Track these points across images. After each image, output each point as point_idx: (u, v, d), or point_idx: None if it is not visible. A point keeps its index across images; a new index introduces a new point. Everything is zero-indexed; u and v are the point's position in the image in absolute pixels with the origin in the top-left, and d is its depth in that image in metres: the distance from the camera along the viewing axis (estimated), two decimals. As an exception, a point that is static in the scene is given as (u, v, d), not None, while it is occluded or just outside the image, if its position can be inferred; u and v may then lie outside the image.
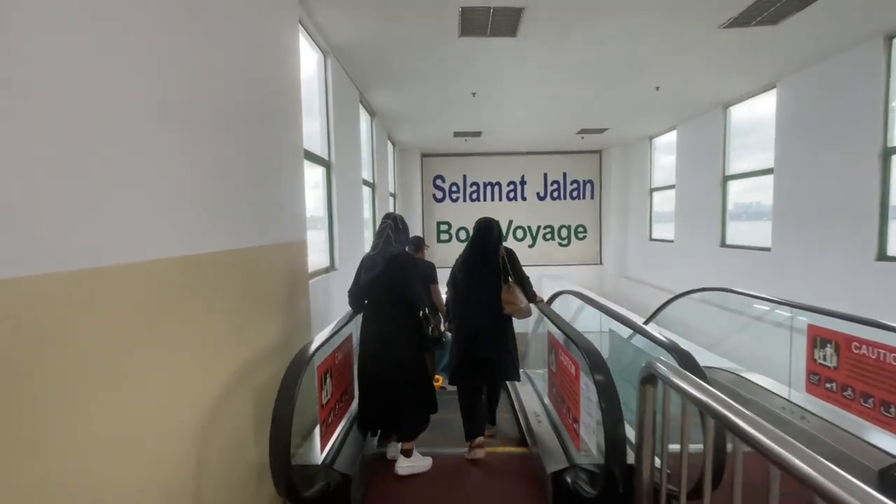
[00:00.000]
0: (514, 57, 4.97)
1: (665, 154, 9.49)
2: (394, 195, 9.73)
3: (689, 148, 7.99)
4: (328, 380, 2.09)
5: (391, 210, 8.95)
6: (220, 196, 2.00)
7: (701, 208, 7.59)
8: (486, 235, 3.20)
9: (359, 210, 5.79)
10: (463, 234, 11.49)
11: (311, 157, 4.00)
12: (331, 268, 4.66)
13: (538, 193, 11.44)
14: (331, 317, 4.05)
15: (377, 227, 2.96)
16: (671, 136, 8.92)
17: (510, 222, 11.50)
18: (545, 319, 3.32)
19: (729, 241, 7.04)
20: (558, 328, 2.56)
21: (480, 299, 3.02)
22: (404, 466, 2.71)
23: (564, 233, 11.55)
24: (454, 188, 11.43)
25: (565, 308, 5.67)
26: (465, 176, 11.41)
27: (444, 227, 11.50)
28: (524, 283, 3.17)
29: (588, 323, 4.55)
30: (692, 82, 5.92)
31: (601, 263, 11.50)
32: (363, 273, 2.82)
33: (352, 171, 5.43)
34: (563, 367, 2.63)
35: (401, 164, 10.59)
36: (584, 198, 11.48)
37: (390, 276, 2.69)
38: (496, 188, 11.42)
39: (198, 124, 1.81)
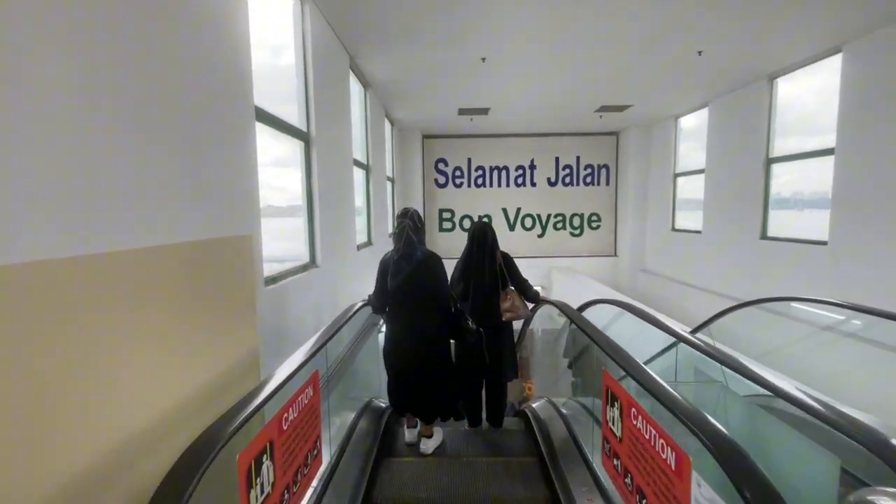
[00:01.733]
0: (533, 14, 4.09)
1: (689, 139, 8.59)
2: (392, 180, 8.87)
3: (725, 127, 7.09)
4: (269, 466, 1.29)
5: (389, 195, 8.09)
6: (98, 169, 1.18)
7: (737, 195, 6.73)
8: (482, 242, 3.20)
9: (348, 194, 4.95)
10: (467, 223, 10.65)
11: (277, 124, 3.16)
12: (311, 264, 3.85)
13: (549, 179, 10.56)
14: (307, 329, 3.25)
15: (394, 225, 2.90)
16: (700, 116, 8.02)
17: (518, 210, 10.65)
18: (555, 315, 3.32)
19: (772, 232, 6.19)
20: (632, 375, 1.67)
21: (479, 308, 3.09)
22: (430, 446, 2.93)
23: (577, 221, 10.70)
24: (458, 173, 10.55)
25: (576, 302, 4.87)
26: (469, 160, 10.52)
27: (446, 216, 10.65)
28: (524, 288, 3.30)
29: (624, 331, 3.74)
30: (740, 44, 5.00)
31: (616, 255, 10.67)
32: (390, 278, 2.76)
33: (339, 148, 4.58)
34: (644, 445, 1.48)
35: (400, 146, 9.70)
36: (598, 184, 10.60)
37: (420, 279, 2.71)
38: (503, 173, 10.54)
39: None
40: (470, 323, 2.90)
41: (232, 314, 2.11)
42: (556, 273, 10.02)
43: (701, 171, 7.77)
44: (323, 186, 3.99)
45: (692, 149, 8.55)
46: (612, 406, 1.74)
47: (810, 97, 5.87)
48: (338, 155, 4.55)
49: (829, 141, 5.08)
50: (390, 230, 8.49)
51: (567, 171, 10.53)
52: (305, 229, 3.91)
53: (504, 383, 3.39)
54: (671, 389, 1.41)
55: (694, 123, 8.37)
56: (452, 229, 10.67)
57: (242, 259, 2.29)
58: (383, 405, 3.46)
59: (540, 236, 10.71)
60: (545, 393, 4.12)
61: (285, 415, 1.48)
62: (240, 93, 2.33)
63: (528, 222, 10.69)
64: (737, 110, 6.75)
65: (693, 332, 3.98)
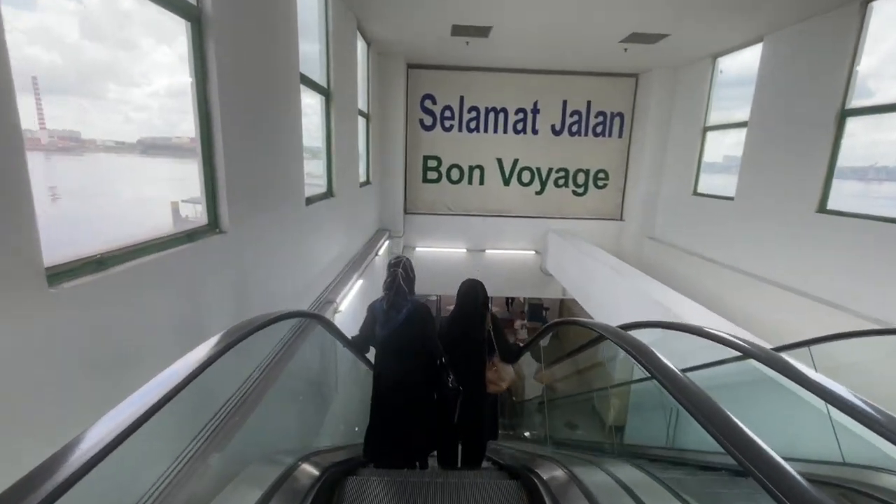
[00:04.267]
0: None
1: (728, 86, 7.11)
2: (367, 115, 7.27)
3: (785, 66, 5.64)
4: None
5: (361, 134, 6.53)
6: None
7: (791, 157, 5.43)
8: (471, 304, 3.08)
9: (291, 126, 3.46)
10: (455, 174, 9.19)
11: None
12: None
13: (553, 126, 9.04)
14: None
15: (387, 271, 2.77)
16: (745, 57, 6.52)
17: (515, 162, 9.19)
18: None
19: (833, 205, 4.97)
20: None
21: (464, 375, 2.91)
22: None
23: (581, 178, 9.33)
24: (447, 113, 8.93)
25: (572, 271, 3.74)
26: (462, 98, 8.87)
27: (431, 164, 9.15)
28: (505, 350, 3.16)
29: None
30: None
31: (622, 219, 9.44)
32: (379, 327, 2.77)
33: (261, 46, 3.04)
34: None
35: (379, 75, 7.99)
36: (609, 135, 9.14)
37: (410, 331, 2.70)
38: (501, 116, 8.96)
39: None
40: (451, 381, 2.84)
41: None
42: (553, 237, 8.78)
43: (742, 125, 6.39)
44: (225, 101, 2.53)
45: (730, 98, 7.11)
46: None
47: (915, 29, 4.45)
48: (258, 54, 3.03)
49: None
50: (362, 176, 7.02)
51: (575, 117, 9.00)
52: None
53: (482, 445, 3.25)
54: None
55: (738, 64, 6.87)
56: (438, 180, 9.20)
57: None
58: (317, 473, 2.22)
59: (538, 193, 9.34)
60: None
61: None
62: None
63: (526, 176, 9.27)
64: (806, 45, 5.29)
65: (780, 349, 2.76)
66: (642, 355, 1.55)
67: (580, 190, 9.36)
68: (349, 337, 3.08)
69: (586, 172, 9.30)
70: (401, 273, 2.71)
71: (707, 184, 7.49)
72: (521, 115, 8.95)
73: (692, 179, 7.65)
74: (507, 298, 17.31)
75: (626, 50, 6.97)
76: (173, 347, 2.02)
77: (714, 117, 7.32)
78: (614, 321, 5.90)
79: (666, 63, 7.86)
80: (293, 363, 2.69)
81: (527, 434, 6.51)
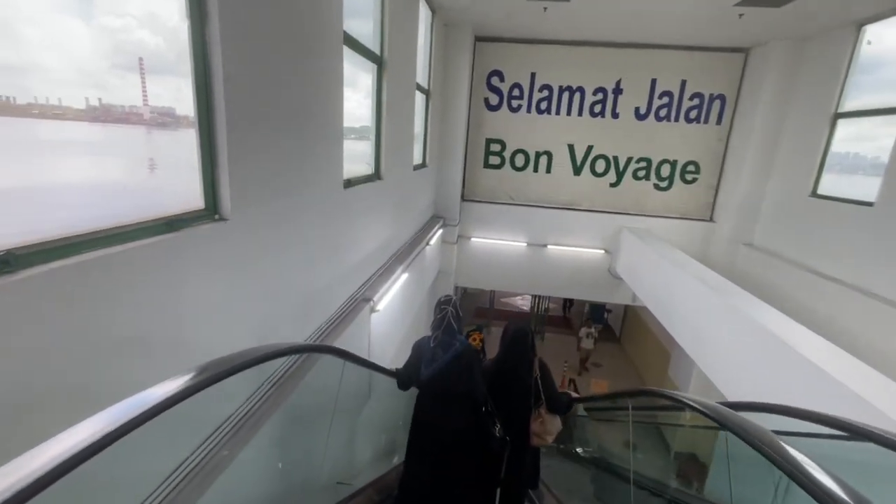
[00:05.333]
0: None
1: (875, 65, 5.64)
2: (426, 92, 6.63)
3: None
4: None
5: (419, 111, 5.91)
6: None
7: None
8: (520, 349, 2.87)
9: (327, 95, 2.90)
10: (520, 160, 8.35)
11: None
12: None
13: (637, 109, 7.88)
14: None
15: (436, 311, 2.71)
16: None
17: (589, 148, 8.16)
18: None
19: None
20: None
21: (506, 424, 2.75)
22: None
23: (665, 171, 8.12)
24: (516, 92, 8.07)
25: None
26: (533, 74, 7.96)
27: (494, 148, 8.37)
28: (555, 402, 2.91)
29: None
30: None
31: (711, 220, 8.14)
32: (424, 366, 2.67)
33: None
34: None
35: (443, 47, 7.30)
36: (705, 121, 7.82)
37: (455, 373, 2.61)
38: (577, 96, 7.95)
39: None
40: (498, 429, 2.67)
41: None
42: (628, 236, 7.73)
43: (893, 111, 5.00)
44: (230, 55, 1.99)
45: (874, 78, 5.65)
46: None
47: None
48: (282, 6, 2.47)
49: None
50: (417, 158, 6.45)
51: (665, 99, 7.77)
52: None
53: (521, 497, 3.02)
54: None
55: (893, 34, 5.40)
56: (500, 166, 8.42)
57: None
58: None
59: (613, 185, 8.27)
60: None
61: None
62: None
63: (601, 166, 8.22)
64: None
65: None
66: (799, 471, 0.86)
67: (663, 184, 8.16)
68: (391, 368, 2.99)
69: (672, 164, 8.06)
70: (451, 312, 2.66)
71: (830, 184, 6.10)
72: (599, 96, 7.88)
73: (812, 178, 6.27)
74: (566, 301, 16.15)
75: (741, 16, 5.72)
76: (119, 384, 1.54)
77: (850, 102, 5.88)
78: (703, 347, 4.96)
79: (790, 34, 6.44)
80: (300, 391, 2.18)
81: (579, 450, 5.69)
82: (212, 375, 1.18)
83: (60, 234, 1.33)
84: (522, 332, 2.90)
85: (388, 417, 4.45)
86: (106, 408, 0.88)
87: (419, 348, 2.75)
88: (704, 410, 1.57)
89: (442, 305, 2.70)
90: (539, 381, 2.85)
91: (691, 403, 1.72)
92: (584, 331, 11.40)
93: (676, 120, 7.82)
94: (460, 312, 2.71)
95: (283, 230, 2.54)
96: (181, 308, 1.78)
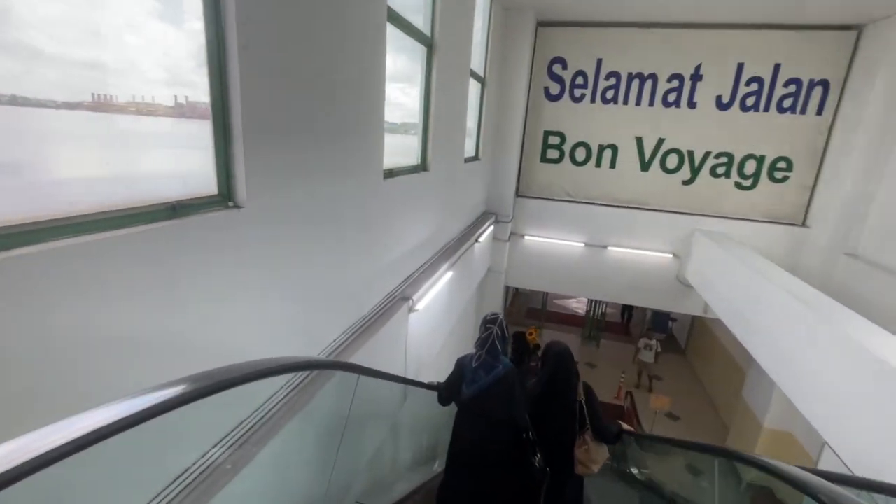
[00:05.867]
0: None
1: None
2: (482, 80, 6.28)
3: None
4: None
5: (473, 100, 5.56)
6: None
7: None
8: (564, 372, 2.79)
9: (365, 75, 2.65)
10: (581, 154, 7.76)
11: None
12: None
13: (719, 98, 7.02)
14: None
15: (481, 329, 2.63)
16: None
17: (660, 142, 7.41)
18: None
19: None
20: None
21: (549, 452, 2.71)
22: None
23: (750, 167, 7.18)
24: (579, 80, 7.49)
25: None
26: (599, 61, 7.34)
27: (553, 140, 7.84)
28: (602, 431, 2.81)
29: None
30: None
31: (804, 225, 7.11)
32: (465, 385, 2.61)
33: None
34: None
35: (502, 33, 6.90)
36: (801, 111, 6.80)
37: (497, 396, 2.53)
38: (648, 84, 7.22)
39: None
40: (538, 459, 2.61)
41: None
42: (701, 240, 6.93)
43: None
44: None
45: None
46: None
47: None
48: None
49: None
50: (470, 150, 6.13)
51: (753, 86, 6.85)
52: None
53: None
54: None
55: None
56: (559, 160, 7.88)
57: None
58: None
59: (686, 183, 7.46)
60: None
61: None
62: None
63: (673, 161, 7.44)
64: None
65: None
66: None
67: (747, 182, 7.23)
68: (432, 382, 2.98)
69: (759, 160, 7.12)
70: (496, 332, 2.59)
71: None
72: (675, 83, 7.10)
73: (942, 177, 5.21)
74: (624, 309, 15.01)
75: (858, -17, 4.82)
76: (102, 388, 1.36)
77: None
78: (790, 372, 4.19)
79: (920, 4, 5.38)
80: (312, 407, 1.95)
81: (634, 471, 5.12)
82: (187, 392, 0.95)
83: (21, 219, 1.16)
84: (565, 354, 2.84)
85: (427, 423, 4.21)
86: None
87: (461, 366, 2.71)
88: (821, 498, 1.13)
89: (487, 324, 2.63)
90: (584, 407, 2.79)
91: (794, 478, 1.27)
92: (643, 341, 10.50)
93: (766, 109, 6.87)
94: (506, 333, 2.64)
95: (312, 221, 2.33)
96: (182, 305, 1.60)
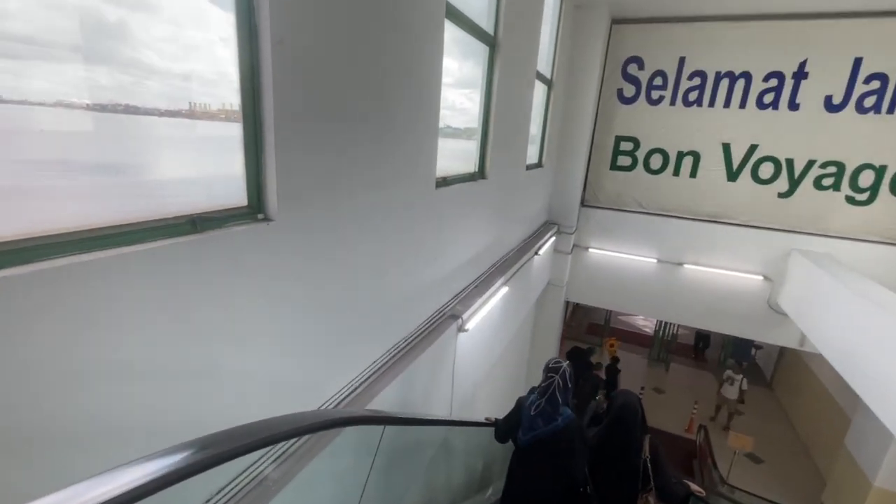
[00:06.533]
0: None
1: None
2: (549, 82, 5.90)
3: None
4: None
5: (538, 103, 5.19)
6: None
7: None
8: (628, 425, 2.62)
9: (418, 76, 2.43)
10: (656, 161, 7.09)
11: None
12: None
13: (829, 98, 6.06)
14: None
15: (543, 374, 2.55)
16: None
17: (752, 149, 6.55)
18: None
19: None
20: None
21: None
22: None
23: (867, 179, 6.12)
24: (657, 81, 6.84)
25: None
26: (682, 59, 6.64)
27: (625, 146, 7.23)
28: (669, 489, 2.59)
29: None
30: None
31: (936, 248, 5.94)
32: (522, 431, 2.56)
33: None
34: None
35: (572, 32, 6.46)
36: (938, 113, 5.69)
37: (554, 448, 2.46)
38: (739, 84, 6.41)
39: None
40: None
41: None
42: (800, 261, 6.01)
43: None
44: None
45: None
46: None
47: None
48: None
49: None
50: (533, 157, 5.78)
51: (875, 84, 5.83)
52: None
53: None
54: None
55: None
56: (631, 167, 7.25)
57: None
58: None
59: (783, 195, 6.53)
60: None
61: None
62: None
63: (767, 170, 6.55)
64: None
65: None
66: None
67: (862, 196, 6.17)
68: (490, 419, 2.96)
69: (878, 170, 6.05)
70: (558, 382, 2.48)
71: None
72: (773, 82, 6.24)
73: None
74: (698, 338, 13.26)
75: None
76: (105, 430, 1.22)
77: None
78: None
79: None
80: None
81: None
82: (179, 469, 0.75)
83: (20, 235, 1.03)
84: (632, 406, 2.68)
85: (480, 449, 3.92)
86: None
87: (520, 406, 2.65)
88: None
89: (549, 373, 2.52)
90: (649, 464, 2.59)
91: None
92: (728, 373, 9.32)
93: (890, 112, 5.82)
94: (569, 383, 2.51)
95: (352, 234, 2.13)
96: (203, 330, 1.44)
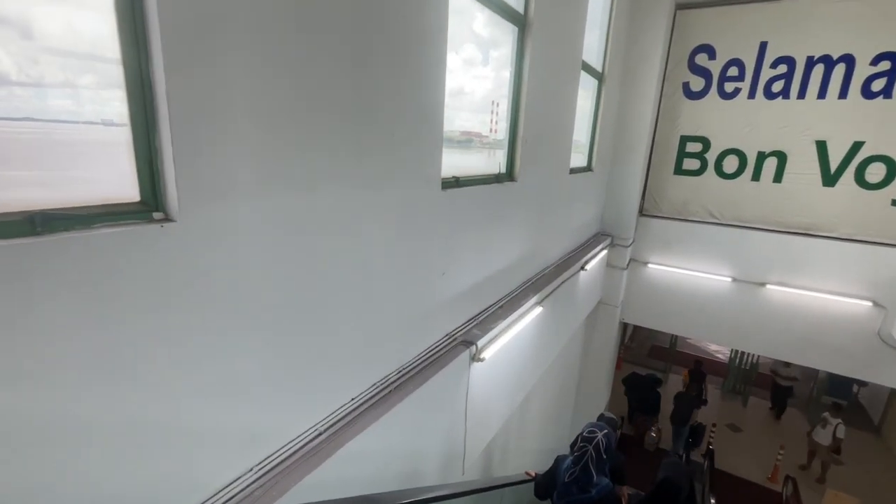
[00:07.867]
0: None
1: None
2: (600, 75, 5.24)
3: None
4: None
5: (588, 99, 4.54)
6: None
7: None
8: (673, 496, 2.58)
9: (422, 57, 1.95)
10: (731, 163, 6.10)
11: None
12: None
13: (963, 81, 4.85)
14: None
15: (578, 441, 2.46)
16: None
17: (855, 147, 5.40)
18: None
19: None
20: None
21: None
22: None
23: None
24: (733, 71, 5.89)
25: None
26: (763, 45, 5.67)
27: (693, 147, 6.31)
28: None
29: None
30: None
31: None
32: (557, 496, 2.52)
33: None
34: None
35: (628, 20, 5.74)
36: None
37: None
38: (838, 69, 5.33)
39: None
40: None
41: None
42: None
43: None
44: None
45: None
46: None
47: None
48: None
49: None
50: (579, 160, 5.13)
51: None
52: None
53: None
54: None
55: None
56: (700, 171, 6.30)
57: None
58: None
59: (899, 203, 5.32)
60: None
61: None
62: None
63: (877, 173, 5.36)
64: None
65: None
66: None
67: None
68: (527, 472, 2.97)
69: None
70: (591, 454, 2.35)
71: None
72: (885, 65, 5.11)
73: None
74: (776, 393, 9.76)
75: None
76: None
77: None
78: None
79: None
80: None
81: None
82: None
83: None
84: (672, 485, 2.54)
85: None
86: None
87: (557, 467, 2.60)
88: None
89: (583, 443, 2.40)
90: None
91: None
92: (826, 415, 7.71)
93: None
94: (604, 454, 2.37)
95: (313, 241, 1.69)
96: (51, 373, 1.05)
